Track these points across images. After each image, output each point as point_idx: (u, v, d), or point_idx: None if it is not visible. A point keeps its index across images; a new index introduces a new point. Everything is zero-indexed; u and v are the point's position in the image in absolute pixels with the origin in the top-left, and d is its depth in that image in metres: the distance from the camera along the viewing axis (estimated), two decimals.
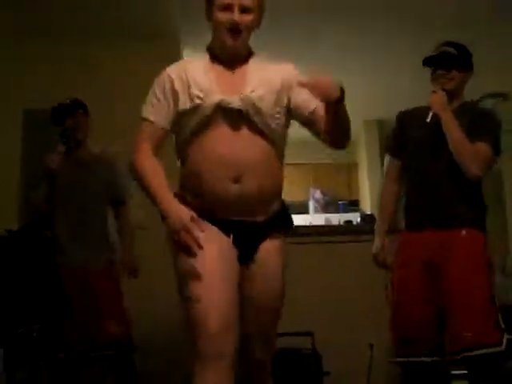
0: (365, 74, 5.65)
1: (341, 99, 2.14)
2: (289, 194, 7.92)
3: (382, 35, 4.78)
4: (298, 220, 6.55)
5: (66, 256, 3.41)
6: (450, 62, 2.87)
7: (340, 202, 8.02)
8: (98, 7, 4.21)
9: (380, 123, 7.37)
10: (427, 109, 2.84)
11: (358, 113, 7.04)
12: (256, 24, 2.32)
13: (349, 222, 5.69)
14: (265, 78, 2.29)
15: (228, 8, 2.23)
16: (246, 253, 2.22)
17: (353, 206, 7.92)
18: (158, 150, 2.28)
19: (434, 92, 2.86)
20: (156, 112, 2.28)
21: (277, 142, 2.31)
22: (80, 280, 3.42)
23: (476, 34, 4.73)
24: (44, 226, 3.47)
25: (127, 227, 3.71)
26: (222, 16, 2.24)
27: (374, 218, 4.70)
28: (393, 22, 4.54)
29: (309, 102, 2.28)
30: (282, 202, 2.38)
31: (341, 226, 5.43)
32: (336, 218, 7.46)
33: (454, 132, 2.77)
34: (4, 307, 2.83)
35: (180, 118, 2.26)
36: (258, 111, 2.21)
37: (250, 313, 2.20)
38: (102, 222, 3.63)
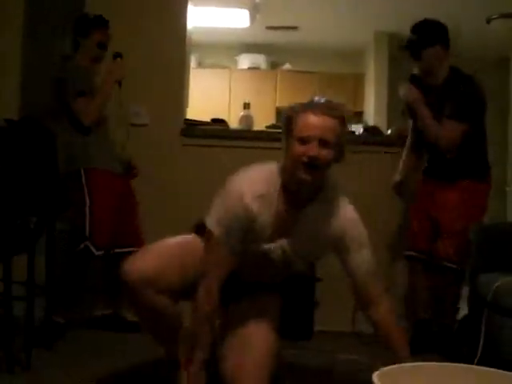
0: None
1: None
2: (293, 101, 7.82)
3: None
4: None
5: (107, 161, 3.59)
6: (415, 48, 3.41)
7: None
8: None
9: (391, 36, 7.23)
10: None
11: (369, 22, 6.90)
12: (335, 160, 2.25)
13: (351, 133, 5.64)
14: (314, 235, 2.28)
15: (307, 141, 2.15)
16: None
17: (356, 116, 7.87)
18: None
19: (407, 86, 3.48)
20: (235, 240, 2.23)
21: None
22: (115, 182, 3.62)
23: None
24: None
25: None
26: (300, 148, 2.16)
27: (378, 130, 4.71)
28: None
29: (357, 268, 2.32)
30: None
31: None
32: None
33: (424, 121, 3.42)
34: (3, 198, 2.85)
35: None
36: (293, 263, 2.33)
37: None
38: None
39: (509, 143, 7.16)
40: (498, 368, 1.91)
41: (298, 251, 2.28)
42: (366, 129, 4.95)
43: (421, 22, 3.48)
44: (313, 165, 2.15)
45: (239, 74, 8.11)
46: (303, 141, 2.16)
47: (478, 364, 2.63)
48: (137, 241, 3.65)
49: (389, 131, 4.70)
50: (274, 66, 8.16)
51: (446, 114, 3.37)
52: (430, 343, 3.45)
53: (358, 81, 8.19)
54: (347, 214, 2.33)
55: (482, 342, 2.78)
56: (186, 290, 2.26)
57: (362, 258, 2.30)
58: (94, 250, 3.46)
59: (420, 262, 3.56)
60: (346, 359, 3.19)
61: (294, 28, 7.22)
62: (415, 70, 3.57)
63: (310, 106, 2.24)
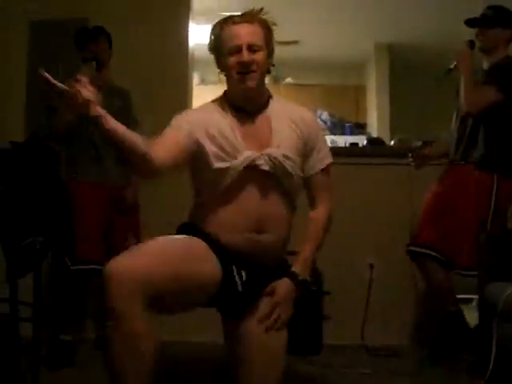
0: None
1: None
2: None
3: None
4: None
5: (89, 172, 3.51)
6: (482, 22, 3.38)
7: (347, 125, 7.99)
8: None
9: (391, 47, 7.26)
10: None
11: (369, 34, 6.92)
12: (268, 62, 2.29)
13: (354, 145, 5.65)
14: (288, 133, 2.29)
15: (236, 51, 2.22)
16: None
17: (359, 128, 7.89)
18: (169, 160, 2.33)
19: (463, 45, 3.36)
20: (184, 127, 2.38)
21: (294, 197, 2.37)
22: (105, 194, 3.53)
23: None
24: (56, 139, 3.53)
25: None
26: (232, 60, 2.22)
27: (381, 142, 4.71)
28: None
29: (311, 168, 2.36)
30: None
31: (348, 148, 5.40)
32: (342, 140, 7.45)
33: (464, 83, 3.28)
34: (9, 219, 2.85)
35: (208, 173, 2.24)
36: (285, 172, 2.24)
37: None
38: None
39: None
40: None
41: (285, 154, 2.24)
42: (370, 140, 4.95)
43: (498, 5, 3.43)
44: (248, 71, 2.21)
45: None
46: (233, 52, 2.22)
47: (491, 374, 2.61)
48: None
49: (392, 142, 4.69)
50: (275, 80, 8.17)
51: (485, 81, 3.31)
52: (461, 337, 3.38)
53: (359, 93, 8.21)
54: (305, 112, 2.44)
55: (494, 353, 2.74)
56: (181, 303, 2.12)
57: (319, 156, 2.37)
58: (69, 262, 3.39)
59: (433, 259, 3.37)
60: (355, 373, 3.17)
61: (295, 42, 7.24)
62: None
63: (230, 18, 2.28)
